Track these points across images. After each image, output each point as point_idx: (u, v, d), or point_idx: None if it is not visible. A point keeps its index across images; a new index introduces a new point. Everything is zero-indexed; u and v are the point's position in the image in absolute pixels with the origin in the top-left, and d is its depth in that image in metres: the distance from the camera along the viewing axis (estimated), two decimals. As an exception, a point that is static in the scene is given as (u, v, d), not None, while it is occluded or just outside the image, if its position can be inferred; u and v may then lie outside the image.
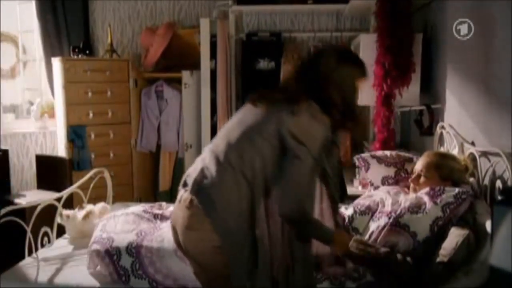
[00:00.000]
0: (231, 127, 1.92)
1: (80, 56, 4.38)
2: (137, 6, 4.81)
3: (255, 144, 1.81)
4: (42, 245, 2.75)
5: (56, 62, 4.26)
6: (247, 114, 1.92)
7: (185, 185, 1.90)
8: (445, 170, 2.41)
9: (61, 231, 2.93)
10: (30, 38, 4.83)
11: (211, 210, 1.78)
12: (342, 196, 3.97)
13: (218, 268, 1.82)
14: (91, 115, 4.26)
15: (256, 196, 1.81)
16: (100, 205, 3.03)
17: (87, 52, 4.48)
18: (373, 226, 2.31)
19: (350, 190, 3.55)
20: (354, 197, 2.87)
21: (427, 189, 2.33)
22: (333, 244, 1.96)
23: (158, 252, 2.28)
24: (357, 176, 3.55)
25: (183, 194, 1.87)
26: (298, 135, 1.78)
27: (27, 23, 4.77)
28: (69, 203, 3.25)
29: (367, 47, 3.44)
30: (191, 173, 1.89)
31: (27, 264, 2.49)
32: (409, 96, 3.36)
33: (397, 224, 2.20)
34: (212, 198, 1.79)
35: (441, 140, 3.09)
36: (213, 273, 1.85)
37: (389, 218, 2.24)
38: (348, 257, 2.16)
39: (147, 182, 4.79)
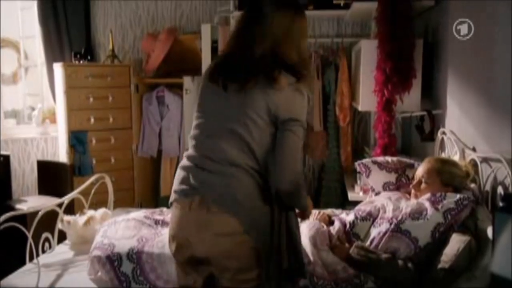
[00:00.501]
0: (217, 126, 1.84)
1: (81, 61, 4.39)
2: (139, 12, 4.83)
3: (249, 136, 1.79)
4: (43, 251, 2.74)
5: (58, 67, 4.27)
6: (225, 106, 1.83)
7: (190, 194, 1.80)
8: (446, 176, 2.41)
9: (62, 237, 2.92)
10: (32, 43, 4.85)
11: (241, 212, 1.75)
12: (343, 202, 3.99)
13: (250, 271, 1.79)
14: (92, 120, 4.27)
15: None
16: (101, 210, 3.03)
17: (89, 57, 4.49)
18: (374, 232, 2.31)
19: (351, 195, 3.56)
20: (355, 203, 2.87)
21: (428, 195, 2.33)
22: (307, 208, 2.01)
23: (159, 258, 2.27)
24: (358, 182, 3.55)
25: (197, 203, 1.78)
26: (287, 111, 1.79)
27: (28, 28, 4.79)
28: (70, 208, 3.25)
29: (368, 53, 3.45)
30: (196, 181, 1.81)
31: (28, 270, 2.49)
32: (410, 102, 3.37)
33: (398, 230, 2.20)
34: (237, 200, 1.75)
35: (442, 146, 3.09)
36: (243, 275, 1.79)
37: (390, 224, 2.24)
38: (349, 263, 2.17)
39: (148, 188, 4.79)
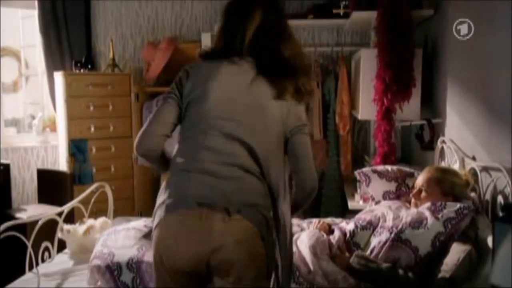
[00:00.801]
0: (221, 132, 1.76)
1: (82, 70, 4.40)
2: (139, 21, 4.84)
3: (255, 144, 1.76)
4: (43, 260, 2.74)
5: (58, 76, 4.28)
6: (232, 112, 1.78)
7: (203, 203, 1.68)
8: (446, 185, 2.41)
9: (62, 246, 2.92)
10: (33, 52, 4.86)
11: (256, 218, 1.70)
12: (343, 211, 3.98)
13: (263, 279, 1.75)
14: (92, 129, 4.27)
15: (277, 197, 1.81)
16: (101, 219, 3.03)
17: (89, 66, 4.50)
18: (375, 241, 2.30)
19: (351, 204, 3.55)
20: (355, 212, 2.87)
21: (428, 204, 2.33)
22: None
23: (159, 268, 2.27)
24: (358, 191, 3.54)
25: (214, 211, 1.66)
26: (296, 116, 1.83)
27: (29, 37, 4.80)
28: (70, 217, 3.25)
29: (367, 62, 3.47)
30: (208, 188, 1.71)
31: (28, 279, 2.48)
32: (409, 111, 3.38)
33: (398, 239, 2.20)
34: (253, 206, 1.71)
35: (442, 155, 3.10)
36: (257, 283, 1.72)
37: (391, 233, 2.24)
38: (350, 273, 2.16)
39: (148, 196, 4.76)
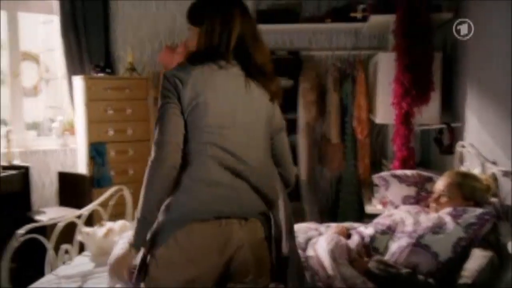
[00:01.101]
0: (242, 137, 1.81)
1: (101, 74, 4.44)
2: (157, 25, 4.87)
3: (266, 149, 1.89)
4: (63, 262, 2.76)
5: (78, 80, 4.32)
6: (231, 118, 1.80)
7: (222, 212, 1.75)
8: (467, 190, 2.38)
9: (82, 248, 2.94)
10: (52, 57, 4.92)
11: (261, 218, 1.84)
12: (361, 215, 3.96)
13: (268, 277, 1.84)
14: (111, 132, 4.31)
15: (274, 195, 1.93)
16: (120, 222, 3.04)
17: (108, 70, 4.54)
18: (394, 246, 2.28)
19: (368, 208, 3.54)
20: (373, 216, 2.85)
21: (449, 209, 2.31)
22: None
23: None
24: (376, 195, 3.52)
25: (232, 219, 1.75)
26: (278, 116, 1.95)
27: (49, 42, 4.86)
28: (90, 220, 3.27)
29: (385, 66, 3.45)
30: (223, 198, 1.76)
31: (48, 281, 2.50)
32: (429, 115, 3.35)
33: (418, 244, 2.18)
34: (266, 214, 1.86)
35: (461, 159, 3.06)
36: (266, 281, 1.83)
37: (411, 238, 2.22)
38: (369, 277, 2.15)
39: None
